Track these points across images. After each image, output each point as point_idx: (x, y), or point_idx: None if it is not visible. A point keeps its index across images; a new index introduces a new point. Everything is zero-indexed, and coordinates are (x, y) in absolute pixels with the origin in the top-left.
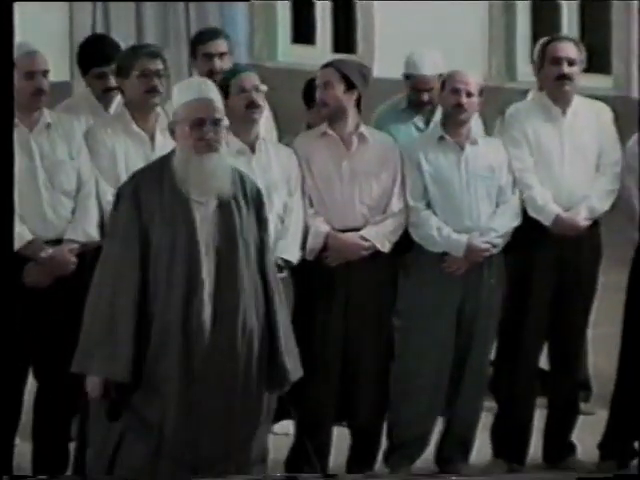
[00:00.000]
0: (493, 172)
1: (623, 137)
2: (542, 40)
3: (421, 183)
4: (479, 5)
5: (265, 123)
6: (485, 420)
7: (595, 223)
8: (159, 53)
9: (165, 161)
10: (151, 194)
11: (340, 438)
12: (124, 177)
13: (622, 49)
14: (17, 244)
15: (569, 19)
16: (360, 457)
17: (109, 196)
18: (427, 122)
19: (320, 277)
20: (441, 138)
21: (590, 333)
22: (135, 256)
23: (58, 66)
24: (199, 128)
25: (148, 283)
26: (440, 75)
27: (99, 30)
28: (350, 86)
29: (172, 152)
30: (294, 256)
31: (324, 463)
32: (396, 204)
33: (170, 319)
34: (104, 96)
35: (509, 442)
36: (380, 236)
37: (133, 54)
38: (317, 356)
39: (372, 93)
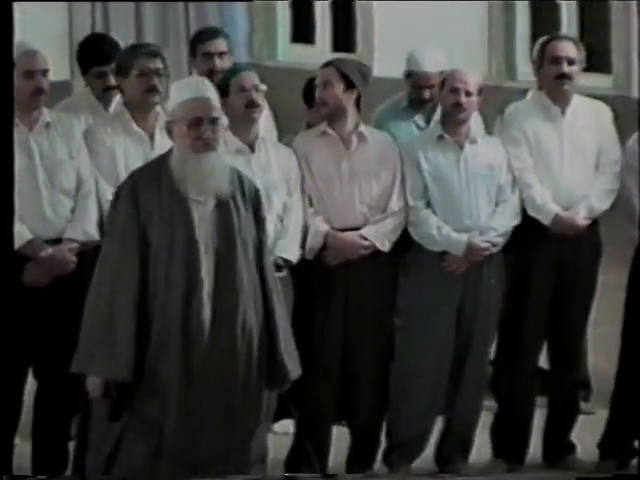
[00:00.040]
0: (492, 171)
1: (623, 136)
2: (541, 39)
3: (421, 182)
4: (479, 5)
5: (264, 122)
6: (485, 419)
7: (594, 222)
8: (158, 52)
9: (163, 160)
10: (149, 193)
11: (340, 437)
12: (124, 176)
13: (622, 48)
14: (17, 243)
15: (568, 18)
16: (360, 456)
17: (109, 195)
18: (428, 120)
19: (320, 276)
20: (440, 137)
21: (590, 332)
22: (134, 255)
23: (58, 65)
24: (197, 127)
25: (147, 283)
26: (442, 72)
27: (99, 30)
28: (350, 85)
29: (169, 151)
30: (294, 255)
31: (324, 462)
32: (396, 203)
33: (170, 318)
34: (104, 95)
35: (509, 441)
36: (380, 235)
37: (132, 53)
38: (317, 355)
39: (372, 92)
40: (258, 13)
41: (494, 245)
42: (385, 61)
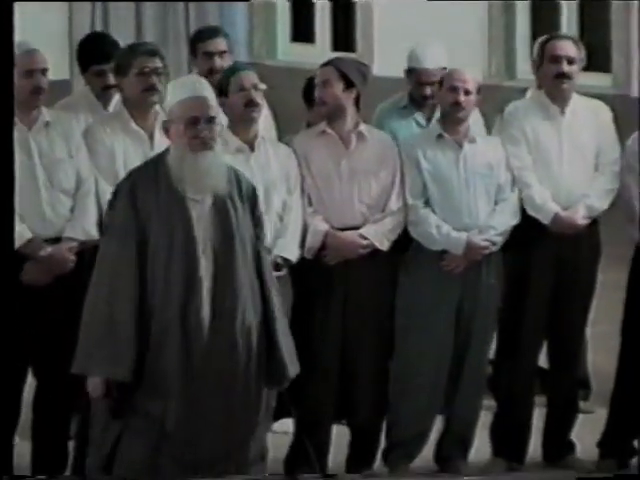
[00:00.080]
0: (492, 170)
1: (623, 136)
2: (541, 38)
3: (420, 181)
4: (479, 4)
5: (264, 122)
6: (484, 419)
7: (594, 222)
8: (157, 51)
9: (160, 159)
10: (147, 193)
11: (339, 437)
12: (123, 175)
13: (622, 47)
14: (16, 242)
15: (568, 17)
16: (359, 456)
17: (108, 194)
18: (429, 119)
19: (319, 276)
20: (440, 136)
21: (589, 331)
22: (133, 255)
23: (58, 65)
24: (194, 126)
25: (146, 282)
26: (444, 68)
27: (99, 29)
28: (349, 85)
29: (166, 150)
30: (293, 254)
31: (323, 462)
32: (395, 202)
33: (169, 317)
34: (103, 94)
35: (508, 441)
36: (379, 235)
37: (131, 52)
38: (316, 354)
39: (371, 92)
40: (258, 12)
41: (493, 244)
42: (385, 60)
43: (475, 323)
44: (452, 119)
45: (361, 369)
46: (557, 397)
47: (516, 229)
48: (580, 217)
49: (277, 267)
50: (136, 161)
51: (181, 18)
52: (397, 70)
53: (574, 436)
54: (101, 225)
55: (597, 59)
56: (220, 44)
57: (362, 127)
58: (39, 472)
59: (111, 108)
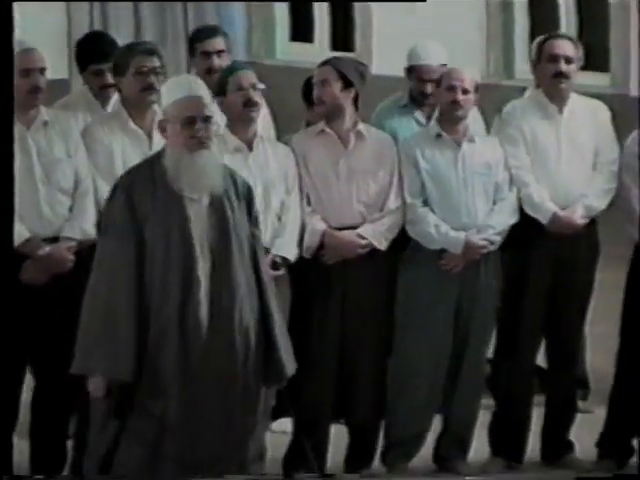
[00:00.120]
0: (490, 169)
1: (621, 135)
2: (539, 38)
3: (418, 180)
4: (477, 3)
5: (262, 121)
6: (483, 418)
7: (592, 221)
8: (155, 50)
9: (156, 159)
10: (144, 193)
11: (338, 436)
12: None
13: (620, 47)
14: (15, 242)
15: (567, 17)
16: (358, 455)
17: (106, 194)
18: (429, 117)
19: (317, 275)
20: (438, 135)
21: (588, 331)
22: (131, 255)
23: (56, 64)
24: (190, 126)
25: (144, 282)
26: (444, 65)
27: (97, 29)
28: (347, 84)
29: (162, 150)
30: (291, 254)
31: (322, 461)
32: (393, 202)
33: (167, 317)
34: (101, 93)
35: (507, 440)
36: (377, 234)
37: (129, 52)
38: (314, 354)
39: (370, 91)
40: (256, 12)
41: (492, 243)
42: (384, 59)
43: (473, 322)
44: (450, 118)
45: (360, 368)
46: (556, 396)
47: (514, 229)
48: (578, 217)
49: (275, 266)
50: (135, 160)
51: (179, 17)
52: (396, 69)
53: (573, 436)
54: (99, 225)
55: (595, 59)
56: (218, 43)
57: (361, 126)
58: (38, 472)
59: (109, 107)
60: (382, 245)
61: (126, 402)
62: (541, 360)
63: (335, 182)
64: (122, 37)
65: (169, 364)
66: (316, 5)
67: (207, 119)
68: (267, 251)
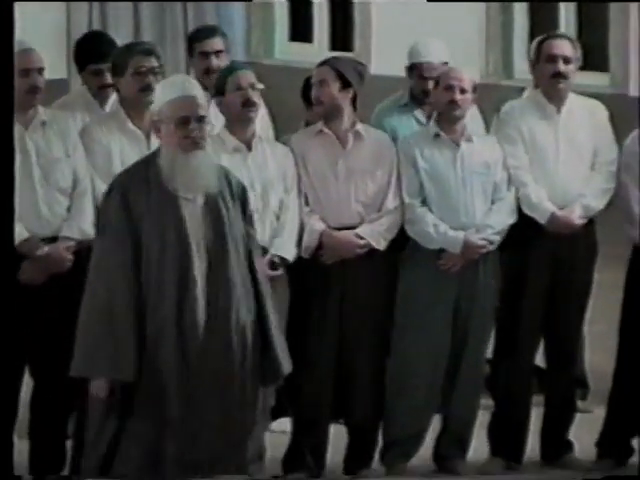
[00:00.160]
0: (489, 169)
1: (620, 135)
2: (538, 38)
3: (417, 180)
4: (476, 3)
5: (261, 121)
6: (482, 418)
7: (590, 221)
8: (154, 50)
9: (150, 160)
10: (139, 193)
11: (337, 436)
12: None
13: (619, 47)
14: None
15: (566, 17)
16: (357, 455)
17: None
18: (429, 116)
19: (316, 275)
20: (436, 135)
21: (587, 331)
22: (127, 255)
23: (55, 64)
24: (184, 126)
25: (140, 282)
26: (445, 63)
27: (96, 29)
28: (346, 84)
29: (157, 151)
30: (290, 253)
31: (321, 461)
32: (392, 202)
33: (164, 317)
34: (100, 93)
35: (506, 440)
36: (375, 234)
37: (128, 52)
38: (313, 354)
39: (369, 91)
40: (256, 11)
41: (490, 243)
42: (383, 59)
43: (472, 322)
44: (448, 118)
45: (358, 368)
46: (555, 396)
47: (512, 228)
48: (576, 217)
49: (274, 266)
50: (133, 161)
51: (179, 17)
52: (395, 69)
53: (572, 435)
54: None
55: (595, 58)
56: (217, 44)
57: (359, 126)
58: (37, 471)
59: (108, 107)
60: (380, 245)
61: (128, 402)
62: (540, 360)
63: (333, 182)
64: (121, 37)
65: (167, 364)
66: (315, 5)
67: (201, 119)
68: (266, 251)
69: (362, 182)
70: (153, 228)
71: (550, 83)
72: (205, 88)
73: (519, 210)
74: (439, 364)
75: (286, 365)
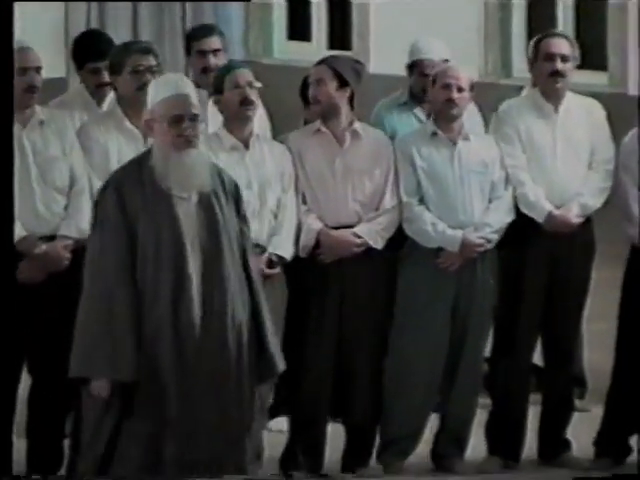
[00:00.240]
0: (486, 167)
1: (619, 134)
2: (536, 36)
3: (414, 178)
4: (475, 2)
5: (259, 120)
6: (480, 417)
7: (587, 220)
8: (151, 49)
9: (143, 159)
10: (133, 192)
11: (335, 435)
12: None
13: (618, 45)
14: None
15: (564, 15)
16: (355, 454)
17: None
18: (429, 115)
19: (314, 274)
20: (434, 134)
21: (585, 329)
22: (124, 253)
23: (54, 63)
24: (177, 124)
25: (136, 281)
26: (446, 60)
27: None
28: (343, 83)
29: (149, 150)
30: (288, 252)
31: (319, 460)
32: (389, 201)
33: (159, 316)
34: (98, 92)
35: (504, 439)
36: (373, 233)
37: (125, 50)
38: (311, 353)
39: (367, 90)
40: (254, 11)
41: (488, 241)
42: (381, 58)
43: (471, 321)
44: (446, 116)
45: (357, 367)
46: (552, 395)
47: (510, 227)
48: (574, 215)
49: (271, 265)
50: None
51: (177, 16)
52: (393, 68)
53: (570, 434)
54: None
55: (593, 57)
56: (214, 42)
57: (356, 125)
58: (35, 470)
59: (105, 106)
60: (378, 244)
61: (126, 402)
62: (538, 358)
63: (331, 181)
64: (120, 37)
65: (164, 363)
66: (313, 4)
67: (194, 117)
68: (263, 249)
69: (360, 181)
70: (148, 227)
71: (548, 82)
72: (203, 87)
73: (516, 209)
74: (437, 363)
75: (280, 363)
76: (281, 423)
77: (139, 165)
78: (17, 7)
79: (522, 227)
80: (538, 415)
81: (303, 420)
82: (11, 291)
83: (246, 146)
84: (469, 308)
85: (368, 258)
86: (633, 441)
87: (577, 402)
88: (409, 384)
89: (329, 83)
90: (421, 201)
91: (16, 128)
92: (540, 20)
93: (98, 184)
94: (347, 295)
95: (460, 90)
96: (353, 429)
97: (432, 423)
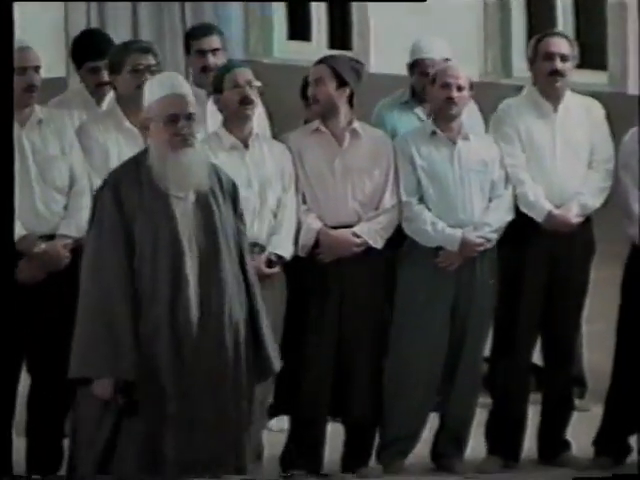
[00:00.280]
0: (486, 166)
1: (619, 133)
2: (535, 36)
3: (414, 178)
4: (475, 1)
5: (258, 119)
6: (480, 416)
7: (587, 219)
8: (151, 48)
9: (140, 158)
10: (131, 192)
11: (335, 434)
12: None
13: (618, 45)
14: None
15: (564, 15)
16: (355, 453)
17: None
18: (430, 114)
19: (313, 274)
20: (433, 133)
21: (585, 329)
22: (121, 252)
23: (54, 62)
24: (174, 124)
25: (134, 280)
26: (447, 60)
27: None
28: (342, 83)
29: (146, 149)
30: (287, 251)
31: (318, 460)
32: (389, 200)
33: (157, 315)
34: (97, 91)
35: (504, 438)
36: (372, 232)
37: (125, 50)
38: (311, 352)
39: (367, 89)
40: (254, 10)
41: (488, 241)
42: (381, 58)
43: (470, 320)
44: (445, 116)
45: (356, 367)
46: (552, 394)
47: (510, 227)
48: (573, 215)
49: (271, 264)
50: None
51: (177, 16)
52: (393, 67)
53: (570, 434)
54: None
55: (593, 57)
56: (213, 42)
57: (356, 124)
58: (34, 469)
59: (104, 105)
60: (377, 243)
61: (131, 400)
62: (537, 358)
63: (330, 180)
64: (119, 37)
65: (162, 362)
66: (313, 4)
67: (190, 116)
68: (263, 249)
69: (359, 180)
70: (145, 226)
71: (547, 81)
72: (202, 86)
73: (516, 208)
74: (437, 362)
75: (276, 362)
76: (282, 422)
77: (136, 164)
78: (17, 7)
79: (522, 227)
80: (538, 415)
81: (303, 420)
82: (11, 290)
83: (246, 145)
84: (468, 308)
85: (367, 258)
86: (633, 440)
87: (577, 402)
88: (408, 384)
89: (328, 83)
90: (421, 200)
91: (15, 127)
92: (540, 19)
93: (98, 183)
94: (346, 295)
95: (459, 89)
96: (353, 429)
97: (432, 423)
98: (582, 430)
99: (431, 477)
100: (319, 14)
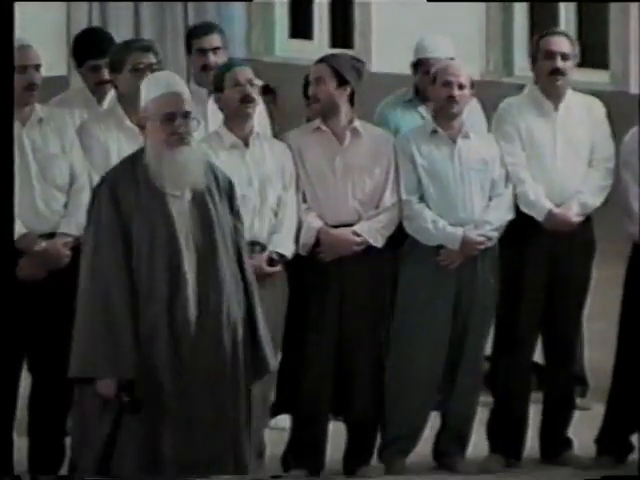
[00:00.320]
0: (486, 165)
1: (620, 132)
2: (537, 35)
3: (415, 176)
4: (477, 2)
5: (258, 117)
6: (482, 415)
7: (587, 218)
8: (152, 47)
9: (137, 157)
10: (128, 191)
11: (337, 434)
12: None
13: (619, 44)
14: None
15: (566, 14)
16: (356, 452)
17: None
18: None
19: (314, 272)
20: (434, 131)
21: (586, 328)
22: (119, 251)
23: (55, 61)
24: (170, 122)
25: (133, 279)
26: (451, 59)
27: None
28: (342, 82)
29: (142, 148)
30: (288, 250)
31: (320, 459)
32: (389, 199)
33: (155, 314)
34: (98, 89)
35: (505, 437)
36: (373, 231)
37: (126, 48)
38: (312, 351)
39: (369, 88)
40: (256, 10)
41: (489, 239)
42: (383, 57)
43: (472, 319)
44: (446, 114)
45: (358, 366)
46: (553, 393)
47: (510, 225)
48: (574, 214)
49: (272, 263)
50: None
51: (179, 16)
52: (395, 66)
53: (571, 432)
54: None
55: (595, 56)
56: (214, 40)
57: (356, 123)
58: (36, 468)
59: (105, 104)
60: (378, 242)
61: (136, 398)
62: (538, 357)
63: (331, 179)
64: (121, 37)
65: (160, 361)
66: (315, 2)
67: (186, 115)
68: (263, 247)
69: (360, 179)
70: (142, 225)
71: (548, 80)
72: (203, 85)
73: (516, 207)
74: (438, 361)
75: (273, 361)
76: (283, 421)
77: (133, 163)
78: (19, 7)
79: (522, 225)
80: (539, 413)
81: (304, 418)
82: (11, 288)
83: (246, 144)
84: (470, 306)
85: (368, 256)
86: (635, 439)
87: (578, 400)
88: (410, 382)
89: (328, 81)
90: (421, 199)
91: (15, 126)
92: (542, 20)
93: None
94: (347, 293)
95: (461, 87)
96: (354, 427)
97: (433, 421)
98: (584, 429)
99: (433, 476)
100: (321, 13)
